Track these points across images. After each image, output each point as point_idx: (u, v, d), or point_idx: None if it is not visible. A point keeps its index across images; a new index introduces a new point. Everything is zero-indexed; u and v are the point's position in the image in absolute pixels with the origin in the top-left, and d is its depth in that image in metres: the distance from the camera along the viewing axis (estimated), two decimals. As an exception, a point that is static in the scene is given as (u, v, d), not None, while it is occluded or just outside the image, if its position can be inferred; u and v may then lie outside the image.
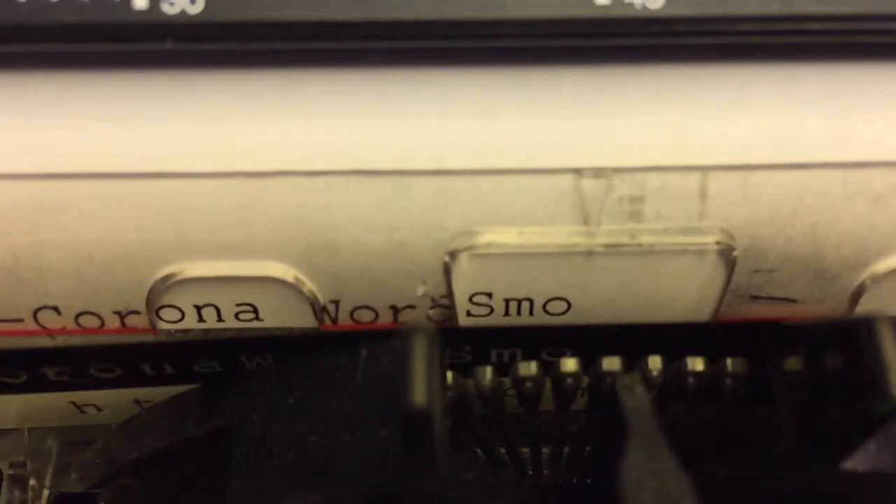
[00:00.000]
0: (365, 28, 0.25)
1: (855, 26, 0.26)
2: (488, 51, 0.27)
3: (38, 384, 0.29)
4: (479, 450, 0.31)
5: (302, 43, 0.26)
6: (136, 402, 0.31)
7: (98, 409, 0.32)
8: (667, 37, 0.26)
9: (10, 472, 0.38)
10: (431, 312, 0.29)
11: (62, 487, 0.39)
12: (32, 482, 0.38)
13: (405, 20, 0.25)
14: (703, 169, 0.27)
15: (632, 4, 0.25)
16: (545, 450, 0.32)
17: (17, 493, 0.38)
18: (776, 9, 0.25)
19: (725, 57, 0.27)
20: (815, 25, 0.26)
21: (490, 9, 0.25)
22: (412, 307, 0.29)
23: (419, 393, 0.21)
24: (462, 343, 0.29)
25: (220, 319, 0.29)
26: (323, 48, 0.27)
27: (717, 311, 0.29)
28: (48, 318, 0.29)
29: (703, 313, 0.29)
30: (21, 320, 0.29)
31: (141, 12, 0.25)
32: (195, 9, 0.25)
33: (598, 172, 0.27)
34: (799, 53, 0.27)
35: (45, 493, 0.39)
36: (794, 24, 0.26)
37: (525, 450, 0.32)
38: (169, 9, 0.25)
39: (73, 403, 0.32)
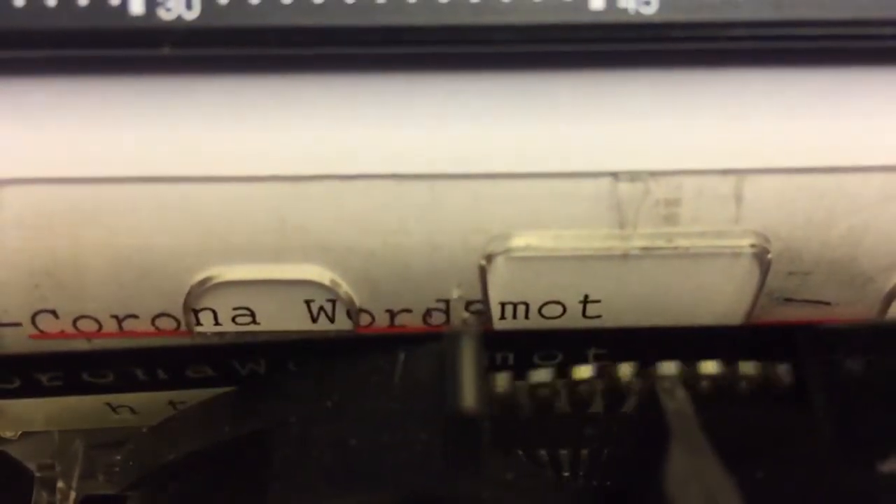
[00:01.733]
0: (370, 33, 0.26)
1: (877, 31, 0.26)
2: (518, 56, 0.28)
3: (74, 387, 0.29)
4: (520, 451, 0.31)
5: (314, 48, 0.26)
6: (171, 404, 0.32)
7: (132, 411, 0.32)
8: (660, 42, 0.26)
9: (38, 474, 0.38)
10: (466, 315, 0.29)
11: (88, 489, 0.39)
12: (60, 484, 0.39)
13: (402, 26, 0.26)
14: (739, 172, 0.27)
15: (625, 10, 0.25)
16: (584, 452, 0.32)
17: (44, 495, 0.38)
18: (767, 14, 0.25)
19: (757, 62, 0.28)
20: (841, 30, 0.26)
21: (486, 14, 0.25)
22: (447, 310, 0.29)
23: (469, 396, 0.21)
24: (497, 346, 0.29)
25: (255, 322, 0.29)
26: (347, 53, 0.27)
27: (750, 313, 0.29)
28: (85, 322, 0.29)
29: (736, 316, 0.29)
30: (59, 323, 0.29)
31: (137, 17, 0.25)
32: (191, 14, 0.25)
33: (635, 176, 0.27)
34: (833, 58, 0.28)
35: (73, 495, 0.39)
36: (790, 30, 0.26)
37: (564, 451, 0.32)
38: (166, 14, 0.25)
39: (109, 405, 0.32)
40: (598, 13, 0.25)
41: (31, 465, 0.37)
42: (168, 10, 0.25)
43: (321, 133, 0.27)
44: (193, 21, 0.25)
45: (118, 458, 0.38)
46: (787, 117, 0.27)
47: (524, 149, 0.27)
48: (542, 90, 0.28)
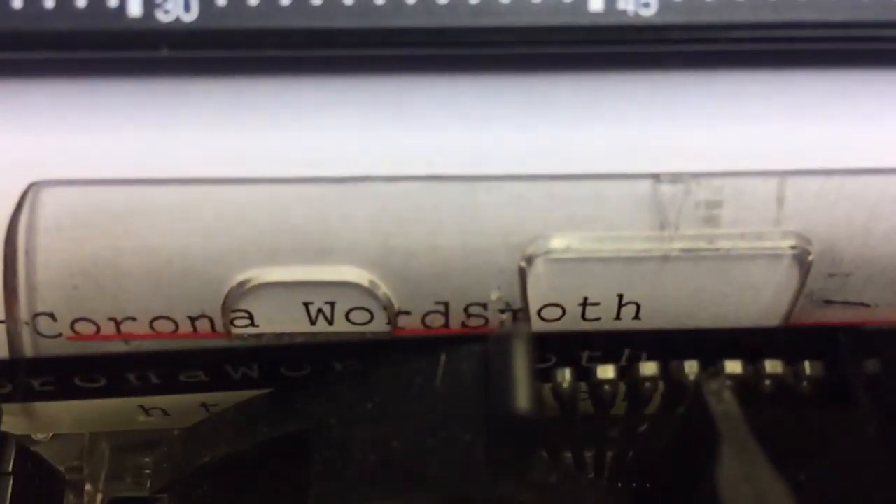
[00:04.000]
0: (371, 35, 0.26)
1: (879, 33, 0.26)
2: (559, 58, 0.28)
3: (111, 389, 0.29)
4: (544, 453, 0.31)
5: (313, 50, 0.26)
6: (204, 406, 0.31)
7: (165, 413, 0.32)
8: (659, 44, 0.26)
9: (66, 476, 0.38)
10: (504, 317, 0.29)
11: (115, 492, 0.39)
12: (88, 487, 0.38)
13: (404, 27, 0.26)
14: (780, 174, 0.27)
15: (633, 12, 0.25)
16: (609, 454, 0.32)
17: (72, 497, 0.38)
18: (767, 16, 0.25)
19: (796, 65, 0.28)
20: (843, 32, 0.26)
21: (485, 16, 0.25)
22: (485, 312, 0.29)
23: (523, 397, 0.21)
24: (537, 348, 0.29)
25: (294, 324, 0.29)
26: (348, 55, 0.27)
27: (789, 315, 0.29)
28: (123, 324, 0.29)
29: (775, 317, 0.29)
30: (97, 325, 0.29)
31: (135, 20, 0.25)
32: (189, 16, 0.25)
33: (676, 177, 0.27)
34: (870, 61, 0.28)
35: (99, 497, 0.39)
36: (789, 32, 0.26)
37: (588, 454, 0.32)
38: (164, 16, 0.25)
39: (141, 407, 0.32)
40: (596, 15, 0.25)
41: (60, 468, 0.37)
42: (166, 12, 0.25)
43: (362, 135, 0.27)
44: (191, 23, 0.25)
45: (148, 460, 0.38)
46: (828, 120, 0.27)
47: (564, 150, 0.27)
48: (581, 92, 0.28)
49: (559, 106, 0.27)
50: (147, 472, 0.38)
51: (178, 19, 0.25)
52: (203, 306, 0.29)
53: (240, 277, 0.28)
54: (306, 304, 0.29)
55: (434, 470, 0.25)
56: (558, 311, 0.29)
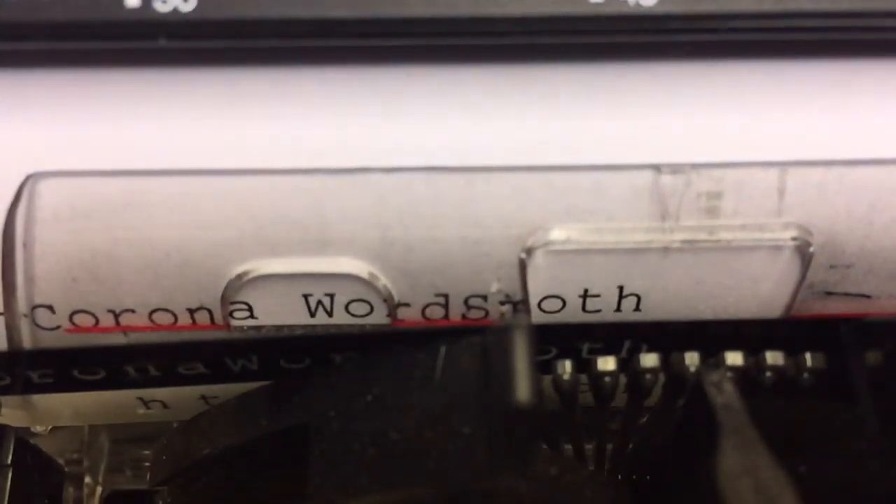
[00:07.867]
0: (371, 25, 0.26)
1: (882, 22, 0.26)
2: (559, 48, 0.27)
3: (110, 381, 0.29)
4: (544, 445, 0.31)
5: (311, 40, 0.26)
6: (203, 398, 0.31)
7: (164, 405, 0.32)
8: (660, 34, 0.26)
9: (66, 469, 0.38)
10: (504, 309, 0.29)
11: (115, 484, 0.39)
12: (87, 479, 0.38)
13: (404, 17, 0.26)
14: (782, 165, 0.27)
15: (625, 2, 0.25)
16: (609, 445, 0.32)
17: (71, 490, 0.38)
18: (769, 6, 0.25)
19: (797, 55, 0.27)
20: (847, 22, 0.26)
21: (485, 6, 0.25)
22: (485, 304, 0.29)
23: (524, 389, 0.21)
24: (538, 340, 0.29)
25: (293, 316, 0.29)
26: (347, 45, 0.27)
27: (790, 307, 0.29)
28: (122, 316, 0.29)
29: (775, 309, 0.29)
30: (96, 317, 0.29)
31: (133, 10, 0.25)
32: (187, 6, 0.25)
33: (677, 168, 0.27)
34: (872, 50, 0.27)
35: (99, 490, 0.39)
36: (792, 21, 0.26)
37: (589, 446, 0.32)
38: (162, 6, 0.25)
39: (140, 400, 0.32)
40: (597, 5, 0.25)
41: (59, 461, 0.37)
42: (164, 2, 0.25)
43: (361, 126, 0.27)
44: (189, 13, 0.25)
45: (147, 452, 0.38)
46: (830, 110, 0.27)
47: (564, 141, 0.27)
48: (581, 83, 0.27)
49: (559, 96, 0.27)
50: (147, 464, 0.38)
51: (175, 9, 0.25)
52: (202, 298, 0.29)
53: (238, 269, 0.28)
54: (305, 296, 0.29)
55: (433, 462, 0.25)
56: (558, 303, 0.29)
